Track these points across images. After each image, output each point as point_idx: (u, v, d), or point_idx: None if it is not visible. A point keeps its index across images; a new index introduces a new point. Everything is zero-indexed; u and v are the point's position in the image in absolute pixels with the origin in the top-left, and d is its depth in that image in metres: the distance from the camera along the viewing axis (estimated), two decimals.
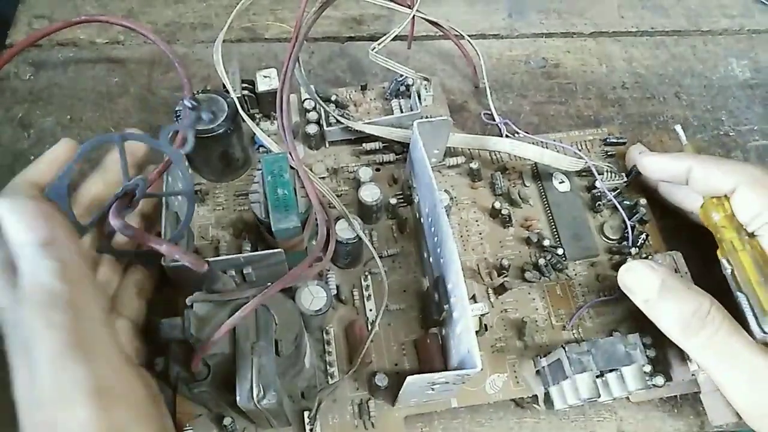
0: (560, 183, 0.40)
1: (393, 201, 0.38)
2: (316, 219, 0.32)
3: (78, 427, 0.22)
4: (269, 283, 0.27)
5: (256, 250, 0.33)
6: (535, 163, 0.41)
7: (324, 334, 0.34)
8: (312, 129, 0.40)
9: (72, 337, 0.23)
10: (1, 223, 0.22)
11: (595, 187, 0.40)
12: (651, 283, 0.31)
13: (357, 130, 0.40)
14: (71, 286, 0.23)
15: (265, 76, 0.39)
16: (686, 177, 0.35)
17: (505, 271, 0.37)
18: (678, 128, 0.38)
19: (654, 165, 0.37)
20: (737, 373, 0.29)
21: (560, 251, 0.38)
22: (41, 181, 0.28)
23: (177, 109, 0.35)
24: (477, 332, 0.34)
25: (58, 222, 0.23)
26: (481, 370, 0.27)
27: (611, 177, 0.41)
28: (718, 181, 0.33)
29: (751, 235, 0.32)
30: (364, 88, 0.43)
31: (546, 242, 0.38)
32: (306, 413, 0.32)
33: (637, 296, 0.32)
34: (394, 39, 0.40)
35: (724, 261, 0.33)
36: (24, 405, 0.23)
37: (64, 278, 0.23)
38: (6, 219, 0.22)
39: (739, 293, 0.32)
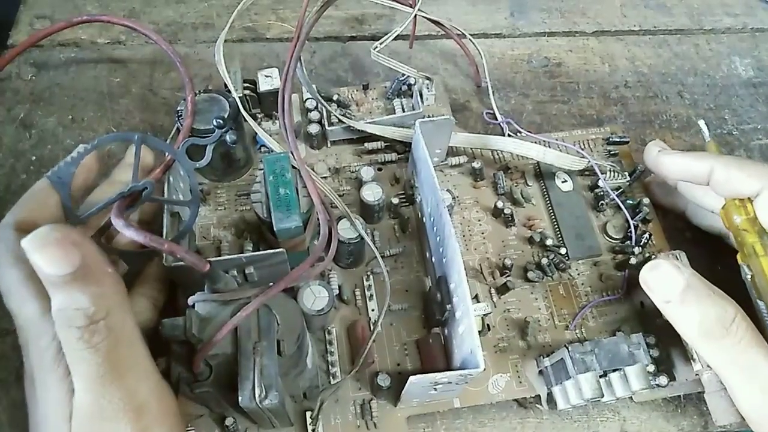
0: (563, 182, 0.40)
1: (395, 200, 0.38)
2: (318, 219, 0.32)
3: None
4: (271, 283, 0.27)
5: (258, 250, 0.33)
6: (538, 162, 0.41)
7: (326, 334, 0.34)
8: (314, 128, 0.40)
9: (112, 358, 0.24)
10: (29, 257, 0.23)
11: (597, 187, 0.39)
12: (675, 285, 0.29)
13: (359, 130, 0.40)
14: (108, 309, 0.24)
15: (266, 76, 0.39)
16: (707, 178, 0.33)
17: (507, 271, 0.37)
18: (701, 123, 0.36)
19: (674, 165, 0.35)
20: (752, 384, 0.29)
21: (563, 251, 0.38)
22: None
23: (178, 108, 0.35)
24: (480, 332, 0.34)
25: (87, 247, 0.24)
26: (484, 370, 0.27)
27: (614, 176, 0.40)
28: (742, 183, 0.32)
29: None
30: (365, 87, 0.43)
31: (549, 242, 0.37)
32: (308, 413, 0.32)
33: (658, 296, 0.31)
34: (395, 38, 0.40)
35: (744, 267, 0.31)
36: (55, 414, 0.24)
37: (101, 302, 0.23)
38: (34, 255, 0.23)
39: (759, 301, 0.31)
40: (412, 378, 0.27)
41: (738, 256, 0.32)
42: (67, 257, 0.23)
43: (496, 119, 0.43)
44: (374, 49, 0.39)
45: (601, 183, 0.39)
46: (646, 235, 0.38)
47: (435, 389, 0.30)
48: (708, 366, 0.32)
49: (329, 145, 0.41)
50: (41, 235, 0.23)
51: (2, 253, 0.26)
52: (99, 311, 0.23)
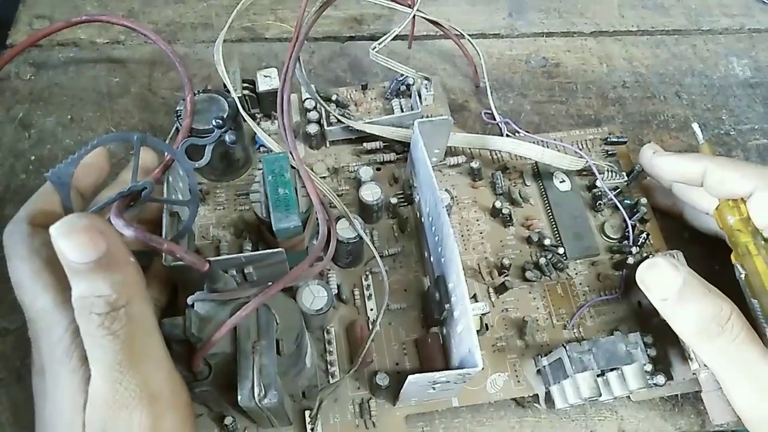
0: (561, 182, 0.40)
1: (394, 200, 0.38)
2: (317, 218, 0.32)
3: (132, 430, 0.24)
4: (270, 283, 0.27)
5: (257, 250, 0.33)
6: (536, 162, 0.41)
7: (325, 334, 0.34)
8: (313, 128, 0.40)
9: (130, 346, 0.24)
10: (55, 244, 0.23)
11: (595, 187, 0.40)
12: (671, 283, 0.30)
13: (358, 130, 0.40)
14: (129, 297, 0.24)
15: (265, 76, 0.39)
16: (701, 179, 0.34)
17: (505, 271, 0.37)
18: (695, 126, 0.37)
19: (668, 165, 0.36)
20: (747, 382, 0.29)
21: (561, 250, 0.38)
22: (79, 187, 0.29)
23: (177, 108, 0.35)
24: (478, 331, 0.34)
25: (111, 236, 0.24)
26: (482, 369, 0.27)
27: (612, 176, 0.40)
28: (735, 184, 0.32)
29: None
30: (364, 87, 0.43)
31: (547, 241, 0.38)
32: (307, 413, 0.32)
33: (655, 294, 0.31)
34: (394, 38, 0.40)
35: (738, 266, 0.32)
36: (67, 405, 0.25)
37: (123, 290, 0.24)
38: (61, 241, 0.23)
39: (753, 300, 0.31)
40: (410, 377, 0.27)
41: (732, 256, 0.32)
42: (93, 244, 0.23)
43: (495, 119, 0.43)
44: (373, 50, 0.39)
45: (599, 183, 0.39)
46: (644, 235, 0.38)
47: (433, 388, 0.30)
48: (705, 365, 0.32)
49: (328, 145, 0.41)
50: (69, 221, 0.23)
51: (16, 246, 0.26)
52: (120, 299, 0.23)
